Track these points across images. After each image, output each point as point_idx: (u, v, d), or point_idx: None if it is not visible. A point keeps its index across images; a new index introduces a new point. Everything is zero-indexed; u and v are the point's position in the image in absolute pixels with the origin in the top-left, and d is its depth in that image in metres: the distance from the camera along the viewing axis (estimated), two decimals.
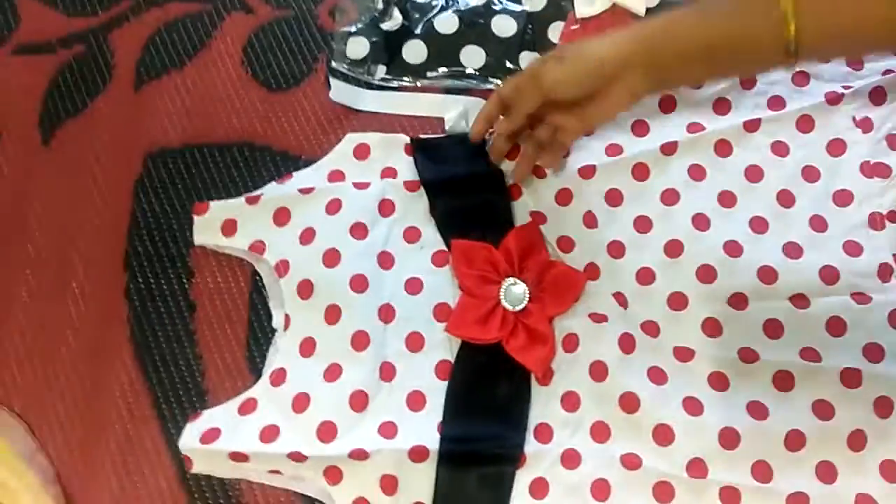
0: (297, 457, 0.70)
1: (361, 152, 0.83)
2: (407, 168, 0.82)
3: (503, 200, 0.80)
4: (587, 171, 0.80)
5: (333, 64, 0.89)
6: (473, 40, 0.89)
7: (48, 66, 0.90)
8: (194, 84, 0.89)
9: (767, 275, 0.75)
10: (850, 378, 0.70)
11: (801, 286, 0.74)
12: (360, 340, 0.75)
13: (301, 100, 0.88)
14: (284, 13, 0.92)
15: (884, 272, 0.74)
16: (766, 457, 0.70)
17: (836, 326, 0.72)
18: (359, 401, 0.73)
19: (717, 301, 0.75)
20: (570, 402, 0.73)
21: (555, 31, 0.89)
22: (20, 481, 0.73)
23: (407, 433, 0.72)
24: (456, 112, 0.84)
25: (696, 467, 0.70)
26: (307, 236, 0.79)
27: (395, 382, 0.74)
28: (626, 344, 0.74)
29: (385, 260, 0.78)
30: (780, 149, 0.80)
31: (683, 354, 0.74)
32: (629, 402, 0.72)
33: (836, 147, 0.80)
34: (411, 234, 0.80)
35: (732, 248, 0.76)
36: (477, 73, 0.88)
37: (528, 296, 0.76)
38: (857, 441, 0.69)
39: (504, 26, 0.89)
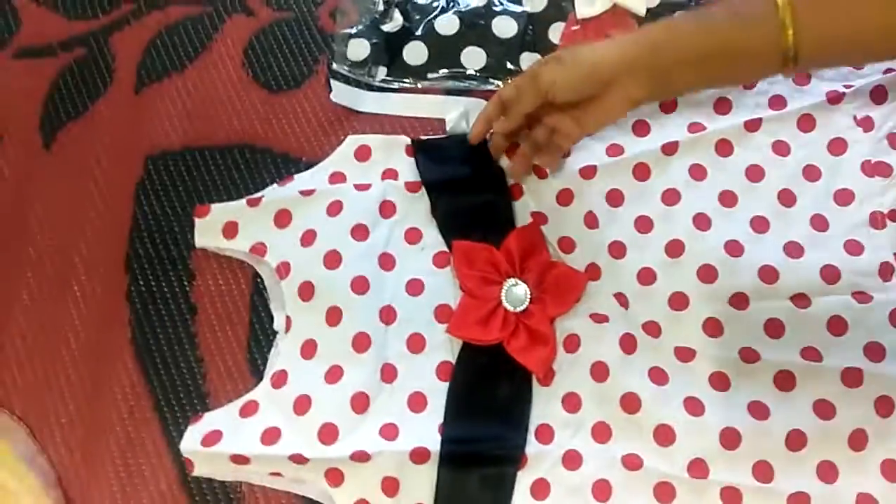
0: (298, 459, 0.70)
1: (362, 154, 0.83)
2: (408, 169, 0.82)
3: (504, 201, 0.80)
4: (588, 172, 0.80)
5: (334, 66, 0.89)
6: (474, 41, 0.89)
7: (49, 69, 0.91)
8: (195, 86, 0.89)
9: (768, 274, 0.75)
10: (852, 377, 0.70)
11: (802, 285, 0.74)
12: (361, 342, 0.75)
13: (302, 102, 0.88)
14: (285, 15, 0.92)
15: (885, 271, 0.74)
16: (767, 457, 0.70)
17: (837, 326, 0.72)
18: (360, 402, 0.73)
19: (718, 301, 0.75)
20: (572, 402, 0.73)
21: (555, 32, 0.89)
22: (21, 484, 0.74)
23: (408, 435, 0.72)
24: (457, 113, 0.84)
25: (697, 467, 0.70)
26: (308, 238, 0.79)
27: (396, 384, 0.74)
28: (628, 344, 0.74)
29: (386, 261, 0.78)
30: (781, 148, 0.80)
31: (684, 354, 0.74)
32: (630, 403, 0.72)
33: (838, 146, 0.80)
34: (412, 236, 0.80)
35: (733, 248, 0.76)
36: (478, 75, 0.88)
37: (529, 296, 0.76)
38: (858, 440, 0.69)
39: (505, 27, 0.89)
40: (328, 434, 0.72)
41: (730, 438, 0.70)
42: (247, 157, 0.86)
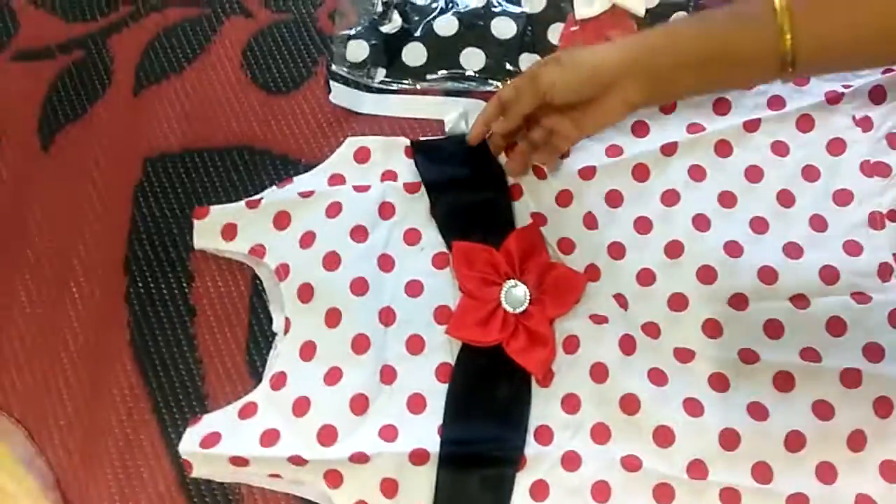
0: (297, 460, 0.70)
1: (362, 156, 0.83)
2: (407, 170, 0.82)
3: (504, 202, 0.80)
4: (587, 173, 0.80)
5: (333, 67, 0.89)
6: (473, 42, 0.89)
7: (48, 71, 0.91)
8: (194, 88, 0.89)
9: (768, 275, 0.75)
10: (851, 378, 0.70)
11: (801, 286, 0.74)
12: (360, 344, 0.75)
13: (301, 103, 0.88)
14: (284, 17, 0.92)
15: (884, 271, 0.74)
16: (767, 457, 0.70)
17: (836, 326, 0.72)
18: (359, 404, 0.73)
19: (717, 302, 0.75)
20: (571, 403, 0.73)
21: (554, 33, 0.89)
22: (19, 486, 0.74)
23: (407, 436, 0.72)
24: (456, 114, 0.84)
25: (697, 468, 0.70)
26: (307, 240, 0.79)
27: (395, 385, 0.74)
28: (627, 345, 0.74)
29: (385, 263, 0.78)
30: (780, 148, 0.80)
31: (684, 355, 0.74)
32: (629, 404, 0.72)
33: (836, 146, 0.80)
34: (411, 237, 0.80)
35: (732, 249, 0.76)
36: (477, 75, 0.88)
37: (528, 298, 0.76)
38: (857, 441, 0.69)
39: (504, 28, 0.89)
40: (327, 435, 0.71)
41: (729, 439, 0.70)
42: (246, 159, 0.86)
